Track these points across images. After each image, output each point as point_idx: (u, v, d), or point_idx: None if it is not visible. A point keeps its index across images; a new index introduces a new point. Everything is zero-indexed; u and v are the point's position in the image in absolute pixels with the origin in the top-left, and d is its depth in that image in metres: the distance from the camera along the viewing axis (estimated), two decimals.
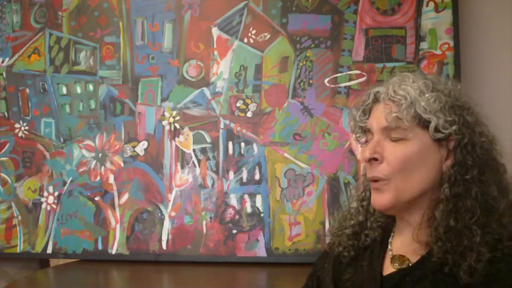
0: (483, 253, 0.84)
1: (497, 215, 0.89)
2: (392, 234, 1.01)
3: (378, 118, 0.94)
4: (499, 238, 0.86)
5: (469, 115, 0.93)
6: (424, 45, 1.62)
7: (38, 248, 1.85)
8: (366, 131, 0.98)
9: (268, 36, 1.73)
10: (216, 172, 1.74)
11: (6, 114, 1.91)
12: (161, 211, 1.77)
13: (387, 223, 1.02)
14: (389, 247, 0.99)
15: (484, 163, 0.91)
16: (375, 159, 0.92)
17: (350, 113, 1.03)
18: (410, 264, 0.93)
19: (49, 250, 1.85)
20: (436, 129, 0.89)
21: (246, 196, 1.72)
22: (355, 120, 1.01)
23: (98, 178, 1.83)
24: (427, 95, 0.90)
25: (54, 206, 1.85)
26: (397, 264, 0.95)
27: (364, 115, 0.98)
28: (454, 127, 0.89)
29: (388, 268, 0.96)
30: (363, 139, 1.02)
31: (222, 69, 1.75)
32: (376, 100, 0.97)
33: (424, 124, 0.90)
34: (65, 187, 1.85)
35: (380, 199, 0.93)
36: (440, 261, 0.88)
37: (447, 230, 0.88)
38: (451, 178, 0.90)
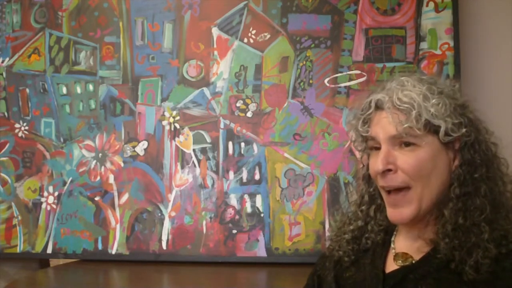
0: (490, 249, 0.85)
1: (504, 212, 0.90)
2: (395, 233, 1.01)
3: (384, 127, 0.92)
4: (505, 234, 0.87)
5: (470, 113, 0.93)
6: (424, 45, 1.62)
7: (38, 248, 1.85)
8: (368, 139, 0.97)
9: (268, 36, 1.73)
10: (216, 172, 1.74)
11: (6, 114, 1.91)
12: (161, 211, 1.77)
13: (389, 224, 1.02)
14: (392, 245, 0.99)
15: (490, 160, 0.92)
16: (389, 170, 0.91)
17: (348, 123, 1.02)
18: (414, 262, 0.93)
19: (49, 250, 1.85)
20: (446, 133, 0.90)
21: (246, 196, 1.72)
22: (356, 130, 0.98)
23: (98, 178, 1.82)
24: (432, 101, 0.90)
25: (54, 206, 1.85)
26: (400, 262, 0.95)
27: (365, 124, 0.96)
28: (463, 130, 0.90)
29: (391, 266, 0.96)
30: (362, 147, 1.01)
31: (222, 69, 1.75)
32: (377, 108, 0.95)
33: (432, 129, 0.90)
34: (65, 187, 1.85)
35: (401, 214, 0.92)
36: (446, 258, 0.88)
37: (456, 228, 0.88)
38: (460, 178, 0.91)
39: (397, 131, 0.90)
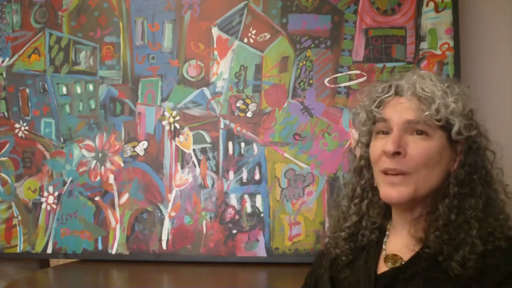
0: (477, 245, 0.87)
1: (494, 213, 0.93)
2: (387, 233, 1.02)
3: (401, 112, 0.94)
4: (492, 231, 0.90)
5: (478, 120, 0.97)
6: (424, 45, 1.62)
7: (38, 248, 1.85)
8: (379, 121, 0.98)
9: (268, 36, 1.73)
10: (216, 172, 1.74)
11: (6, 114, 1.91)
12: (161, 211, 1.77)
13: (382, 222, 1.03)
14: (384, 246, 1.01)
15: (488, 166, 0.96)
16: (398, 153, 0.93)
17: (361, 105, 1.03)
18: (403, 263, 0.95)
19: (49, 250, 1.85)
20: (459, 132, 0.93)
21: (246, 196, 1.72)
22: (369, 111, 1.00)
23: (98, 178, 1.82)
24: (451, 98, 0.93)
25: (54, 206, 1.85)
26: (390, 264, 0.97)
27: (378, 106, 0.98)
28: (474, 132, 0.94)
29: (383, 268, 0.98)
30: (367, 126, 1.02)
31: (222, 69, 1.75)
32: (396, 93, 0.97)
33: (445, 125, 0.93)
34: (65, 187, 1.85)
35: (396, 192, 0.93)
36: (435, 252, 0.90)
37: (447, 223, 0.91)
38: (460, 177, 0.93)
39: (415, 117, 0.92)
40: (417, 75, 0.97)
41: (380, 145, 0.96)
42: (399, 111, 0.95)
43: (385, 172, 0.95)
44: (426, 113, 0.91)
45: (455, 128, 0.92)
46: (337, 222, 1.08)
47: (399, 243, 0.98)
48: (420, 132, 0.93)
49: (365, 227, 1.03)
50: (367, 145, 1.02)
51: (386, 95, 0.97)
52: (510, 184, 0.98)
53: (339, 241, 1.04)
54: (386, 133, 0.96)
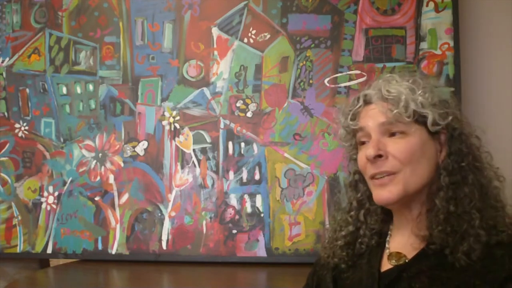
0: (482, 235, 0.88)
1: (492, 200, 0.94)
2: (389, 233, 1.03)
3: (373, 117, 0.97)
4: (494, 224, 0.90)
5: (454, 108, 0.98)
6: (424, 45, 1.62)
7: (38, 248, 1.85)
8: (357, 132, 1.00)
9: (268, 36, 1.73)
10: (216, 172, 1.74)
11: (6, 114, 1.91)
12: (161, 211, 1.77)
13: (382, 227, 1.04)
14: (387, 245, 1.01)
15: (475, 151, 0.97)
16: (380, 156, 0.94)
17: (337, 121, 1.07)
18: (407, 261, 0.95)
19: (49, 250, 1.85)
20: (434, 122, 0.94)
21: (246, 196, 1.72)
22: (346, 126, 1.03)
23: (98, 178, 1.83)
24: (419, 92, 0.95)
25: (54, 206, 1.85)
26: (394, 261, 0.97)
27: (353, 119, 1.01)
28: (450, 117, 0.95)
29: (386, 265, 0.98)
30: (350, 142, 1.05)
31: (222, 69, 1.75)
32: (365, 103, 1.00)
33: (419, 119, 0.94)
34: (65, 187, 1.85)
35: (387, 193, 0.94)
36: (441, 246, 0.90)
37: (447, 216, 0.92)
38: (449, 167, 0.94)
39: (386, 118, 0.94)
40: (382, 80, 1.00)
41: (363, 153, 0.98)
42: (372, 117, 0.97)
43: (373, 177, 0.96)
44: (395, 111, 0.93)
45: (429, 119, 0.94)
46: (333, 233, 1.09)
47: (402, 242, 0.98)
48: (397, 132, 0.95)
49: (363, 235, 1.04)
50: (356, 159, 1.03)
51: (356, 107, 1.00)
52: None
53: (335, 250, 1.05)
54: (367, 142, 0.98)
